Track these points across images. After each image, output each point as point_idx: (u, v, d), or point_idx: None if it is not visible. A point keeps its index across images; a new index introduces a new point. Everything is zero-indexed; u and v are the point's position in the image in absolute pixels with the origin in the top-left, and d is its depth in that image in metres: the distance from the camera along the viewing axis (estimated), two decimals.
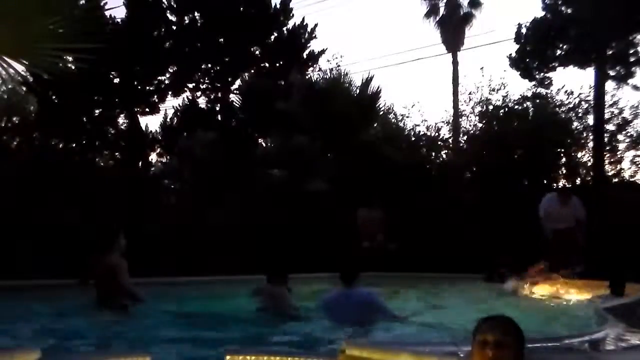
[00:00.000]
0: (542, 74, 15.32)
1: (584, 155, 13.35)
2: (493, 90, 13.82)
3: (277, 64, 16.47)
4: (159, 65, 15.87)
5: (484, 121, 13.23)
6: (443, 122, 14.97)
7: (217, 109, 16.81)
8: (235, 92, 16.52)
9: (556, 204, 8.84)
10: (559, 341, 3.78)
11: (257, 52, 16.69)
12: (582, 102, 14.11)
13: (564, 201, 8.82)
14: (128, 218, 8.98)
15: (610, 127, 14.46)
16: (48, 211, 8.50)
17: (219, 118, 16.48)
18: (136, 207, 9.75)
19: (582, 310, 6.04)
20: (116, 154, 16.09)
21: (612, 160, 14.21)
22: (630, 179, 13.79)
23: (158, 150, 16.51)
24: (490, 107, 13.35)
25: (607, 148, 14.04)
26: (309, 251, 9.09)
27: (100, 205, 9.03)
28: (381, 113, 13.15)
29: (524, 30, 15.21)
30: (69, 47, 4.99)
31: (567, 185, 12.10)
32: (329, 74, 13.80)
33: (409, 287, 8.00)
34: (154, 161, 16.23)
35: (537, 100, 13.77)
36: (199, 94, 16.99)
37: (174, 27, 16.08)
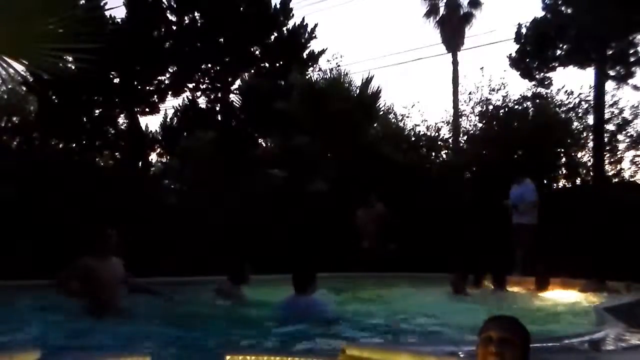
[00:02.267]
0: (542, 74, 15.33)
1: (584, 155, 13.37)
2: (493, 90, 13.85)
3: (277, 64, 16.47)
4: (159, 65, 15.89)
5: (484, 121, 13.24)
6: (443, 122, 15.01)
7: (217, 109, 16.82)
8: (235, 92, 16.53)
9: (516, 186, 9.58)
10: (559, 341, 3.79)
11: (257, 52, 16.70)
12: (582, 102, 14.15)
13: (518, 181, 9.58)
14: (128, 218, 8.98)
15: (610, 127, 14.50)
16: (48, 211, 8.49)
17: (219, 118, 16.49)
18: (136, 207, 9.75)
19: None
20: (116, 154, 16.11)
21: (612, 160, 14.23)
22: (630, 179, 13.82)
23: (158, 150, 16.53)
24: (490, 107, 13.37)
25: (607, 148, 14.06)
26: (308, 251, 9.08)
27: (100, 205, 9.02)
28: (381, 113, 13.16)
29: (524, 30, 15.22)
30: (69, 47, 4.98)
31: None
32: (329, 74, 13.80)
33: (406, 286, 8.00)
34: (154, 161, 16.26)
35: (537, 100, 13.79)
36: (199, 94, 17.01)
37: (174, 27, 16.09)
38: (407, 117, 14.72)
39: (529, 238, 9.21)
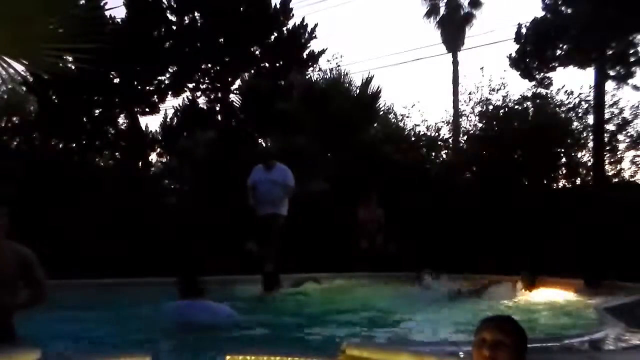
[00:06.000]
0: (542, 74, 15.33)
1: (584, 155, 13.35)
2: (493, 90, 13.83)
3: (277, 64, 16.46)
4: (159, 65, 15.87)
5: (484, 121, 13.22)
6: (443, 122, 15.00)
7: (217, 109, 16.82)
8: (235, 92, 16.52)
9: (262, 171, 8.24)
10: (559, 341, 3.78)
11: (257, 52, 16.69)
12: (582, 102, 14.12)
13: (268, 165, 8.22)
14: (127, 218, 8.99)
15: (610, 127, 14.49)
16: (48, 211, 8.50)
17: (219, 118, 16.48)
18: (136, 207, 9.75)
19: None
20: (116, 154, 16.10)
21: (612, 160, 14.22)
22: (630, 179, 13.81)
23: (158, 150, 16.52)
24: (490, 107, 13.35)
25: (607, 148, 14.05)
26: (308, 251, 9.09)
27: (100, 205, 9.04)
28: (381, 113, 13.15)
29: (524, 30, 15.22)
30: (69, 47, 4.98)
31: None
32: (329, 74, 13.81)
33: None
34: (154, 161, 16.26)
35: (537, 100, 13.77)
36: (199, 94, 17.00)
37: (174, 27, 16.08)
38: (407, 117, 14.72)
39: (283, 230, 8.05)
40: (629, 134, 14.57)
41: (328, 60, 16.74)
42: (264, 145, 14.43)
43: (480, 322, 2.42)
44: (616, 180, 13.61)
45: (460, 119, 15.45)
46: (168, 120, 16.33)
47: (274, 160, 8.22)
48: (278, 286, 7.33)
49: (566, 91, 14.22)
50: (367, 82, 12.24)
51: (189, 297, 4.87)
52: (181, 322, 4.73)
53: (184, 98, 16.66)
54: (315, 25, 16.56)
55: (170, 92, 16.57)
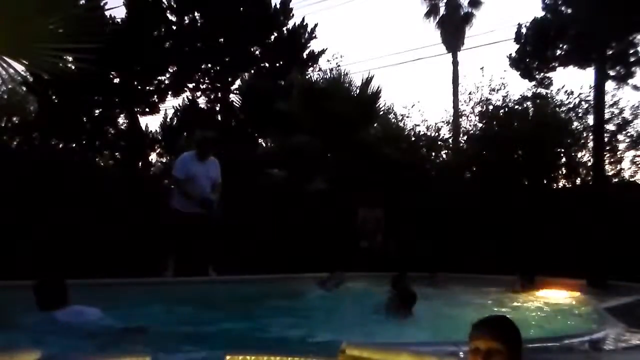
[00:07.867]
0: (542, 74, 15.36)
1: (584, 155, 13.36)
2: (493, 90, 13.85)
3: (277, 64, 16.49)
4: (159, 65, 15.90)
5: (484, 121, 13.22)
6: (443, 122, 15.02)
7: (217, 109, 16.83)
8: (235, 92, 16.54)
9: (196, 163, 7.24)
10: (559, 341, 3.78)
11: (257, 52, 16.71)
12: (582, 102, 14.13)
13: (203, 158, 7.25)
14: (128, 218, 8.98)
15: (610, 127, 14.51)
16: (47, 211, 8.48)
17: (219, 118, 16.50)
18: (136, 207, 9.73)
19: None
20: (116, 154, 16.12)
21: (612, 160, 14.23)
22: (630, 179, 13.82)
23: (158, 150, 16.54)
24: (490, 107, 13.36)
25: (607, 148, 14.05)
26: (308, 251, 9.08)
27: (100, 205, 9.02)
28: (381, 113, 13.15)
29: (524, 30, 15.24)
30: (69, 47, 4.99)
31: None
32: (329, 74, 13.81)
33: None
34: (154, 161, 16.29)
35: (537, 100, 13.77)
36: (199, 94, 17.03)
37: (174, 27, 16.10)
38: (407, 117, 14.74)
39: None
40: (629, 134, 14.60)
41: (328, 60, 16.83)
42: (264, 145, 14.44)
43: (472, 327, 2.36)
44: (616, 180, 13.61)
45: (460, 119, 15.48)
46: (168, 120, 16.38)
47: (205, 150, 7.27)
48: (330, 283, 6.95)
49: (566, 91, 14.26)
50: (367, 82, 12.24)
51: (54, 305, 4.23)
52: (71, 329, 4.21)
53: (184, 98, 16.73)
54: (315, 25, 16.64)
55: (170, 92, 16.60)
